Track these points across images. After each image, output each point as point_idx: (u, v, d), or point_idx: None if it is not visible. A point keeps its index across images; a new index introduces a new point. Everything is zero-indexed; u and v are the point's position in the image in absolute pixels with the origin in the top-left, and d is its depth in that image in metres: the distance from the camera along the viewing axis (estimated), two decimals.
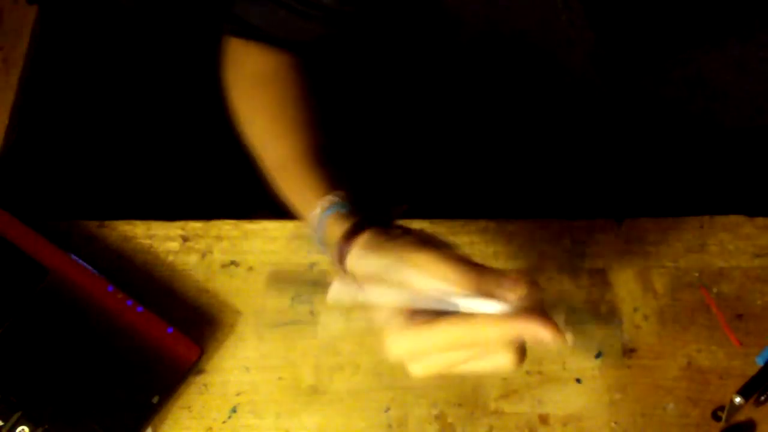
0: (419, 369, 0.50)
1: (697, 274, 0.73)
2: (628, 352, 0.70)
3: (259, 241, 0.76)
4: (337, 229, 0.56)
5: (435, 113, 0.90)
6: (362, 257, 0.53)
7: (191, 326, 0.71)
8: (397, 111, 0.91)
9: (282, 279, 0.74)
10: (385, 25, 0.75)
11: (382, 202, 0.61)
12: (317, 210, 0.58)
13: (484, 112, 0.87)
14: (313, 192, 0.59)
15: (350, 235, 0.54)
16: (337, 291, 0.51)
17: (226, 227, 0.77)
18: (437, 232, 0.75)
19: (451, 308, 0.47)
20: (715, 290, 0.73)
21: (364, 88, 0.87)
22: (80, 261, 0.73)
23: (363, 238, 0.53)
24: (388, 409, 0.68)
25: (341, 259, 0.54)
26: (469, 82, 0.83)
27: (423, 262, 0.48)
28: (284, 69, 0.69)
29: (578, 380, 0.69)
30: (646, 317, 0.72)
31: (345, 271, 0.54)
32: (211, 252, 0.76)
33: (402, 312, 0.48)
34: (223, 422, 0.68)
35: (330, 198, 0.58)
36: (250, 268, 0.75)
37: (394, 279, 0.49)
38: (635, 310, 0.72)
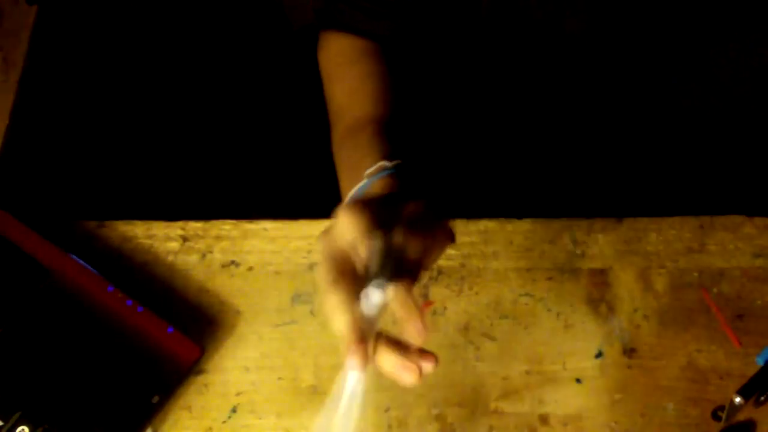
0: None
1: (697, 274, 0.73)
2: (628, 352, 0.70)
3: (259, 241, 0.76)
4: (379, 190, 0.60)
5: (435, 114, 0.90)
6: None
7: (191, 326, 0.71)
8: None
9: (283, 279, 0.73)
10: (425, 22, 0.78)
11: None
12: (371, 170, 0.62)
13: (484, 112, 0.87)
14: (373, 156, 0.63)
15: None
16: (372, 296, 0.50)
17: (226, 227, 0.77)
18: None
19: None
20: (715, 290, 0.73)
21: None
22: (80, 261, 0.73)
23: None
24: (388, 409, 0.68)
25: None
26: (471, 80, 0.83)
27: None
28: (366, 51, 0.77)
29: (578, 380, 0.69)
30: (646, 317, 0.72)
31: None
32: (211, 252, 0.76)
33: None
34: (223, 422, 0.68)
35: (384, 164, 0.61)
36: (250, 268, 0.75)
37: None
38: (635, 310, 0.72)
